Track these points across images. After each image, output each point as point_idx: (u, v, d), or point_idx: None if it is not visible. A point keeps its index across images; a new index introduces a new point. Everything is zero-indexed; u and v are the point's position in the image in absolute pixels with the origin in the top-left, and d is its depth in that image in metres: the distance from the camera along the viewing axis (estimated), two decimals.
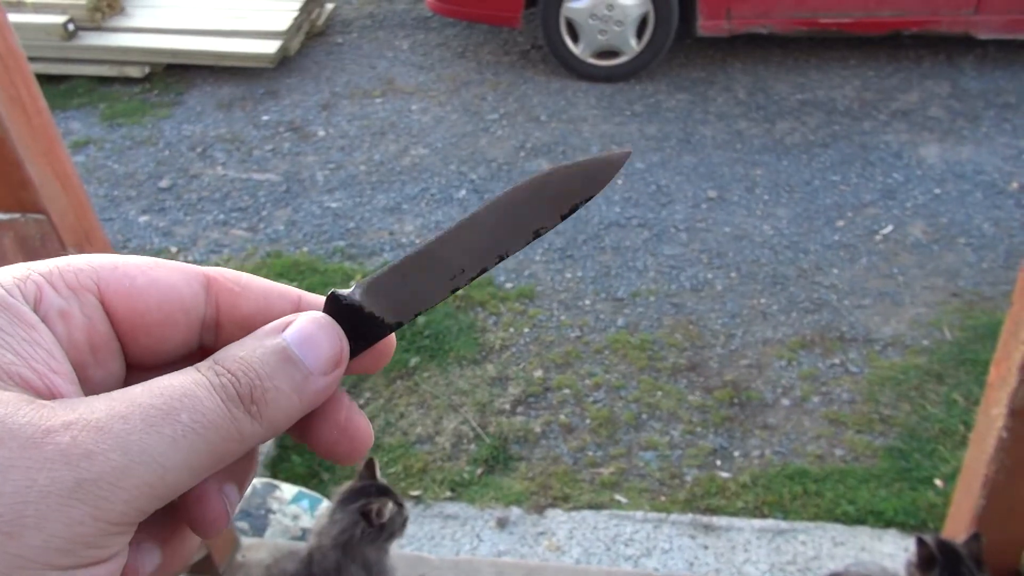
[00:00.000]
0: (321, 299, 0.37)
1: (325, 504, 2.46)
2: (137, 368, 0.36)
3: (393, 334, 0.38)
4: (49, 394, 0.31)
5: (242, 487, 0.36)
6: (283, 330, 0.34)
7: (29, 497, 0.27)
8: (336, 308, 0.36)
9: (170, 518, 0.34)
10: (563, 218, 0.38)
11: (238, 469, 0.35)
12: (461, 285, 0.38)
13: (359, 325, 0.37)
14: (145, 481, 0.29)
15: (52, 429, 0.28)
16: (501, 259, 0.38)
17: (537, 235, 0.38)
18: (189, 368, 0.33)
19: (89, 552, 0.28)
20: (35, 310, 0.32)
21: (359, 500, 1.64)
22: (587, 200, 0.38)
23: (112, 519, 0.29)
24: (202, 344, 0.37)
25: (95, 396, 0.31)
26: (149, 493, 0.29)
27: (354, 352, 0.37)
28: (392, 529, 1.67)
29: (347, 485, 1.73)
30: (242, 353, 0.33)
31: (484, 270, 0.38)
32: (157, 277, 0.35)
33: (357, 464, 1.78)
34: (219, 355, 0.33)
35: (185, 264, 0.36)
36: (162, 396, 0.30)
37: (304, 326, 0.35)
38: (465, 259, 0.38)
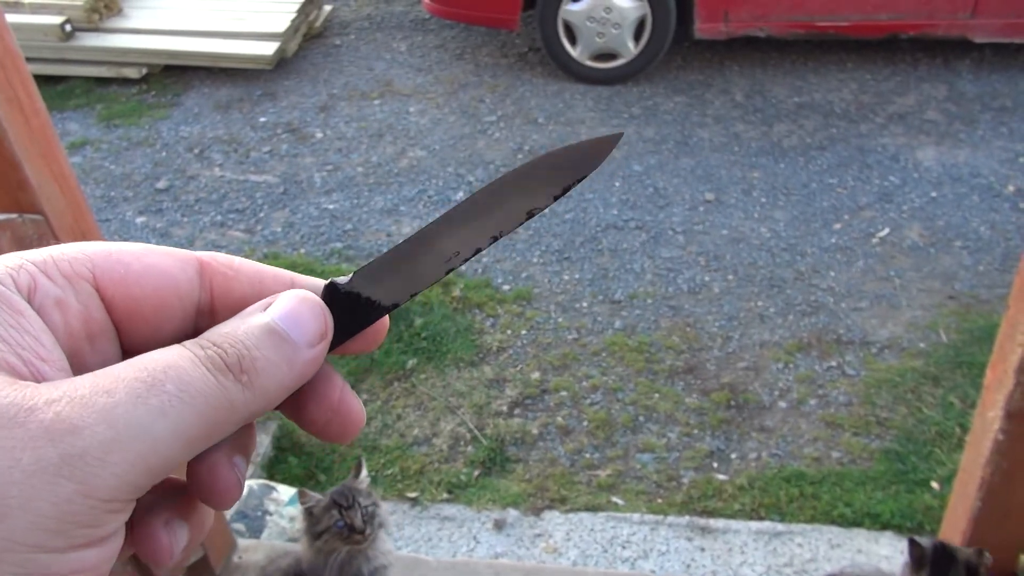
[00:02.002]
0: (315, 280, 0.38)
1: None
2: (133, 353, 0.36)
3: (387, 316, 0.39)
4: (34, 380, 0.30)
5: (247, 458, 0.36)
6: (266, 308, 0.35)
7: (13, 477, 0.27)
8: (334, 296, 0.37)
9: (189, 494, 0.35)
10: (555, 199, 0.39)
11: (240, 442, 0.36)
12: (456, 265, 0.39)
13: (357, 310, 0.38)
14: (136, 453, 0.28)
15: (35, 407, 0.28)
16: (495, 239, 0.39)
17: (530, 215, 0.39)
18: (174, 345, 0.33)
19: (81, 532, 0.28)
20: (30, 299, 0.32)
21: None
22: (579, 180, 0.39)
23: (102, 495, 0.28)
24: (197, 328, 0.37)
25: (80, 376, 0.30)
26: (142, 466, 0.29)
27: (351, 332, 0.38)
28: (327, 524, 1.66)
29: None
30: (227, 329, 0.34)
31: (479, 250, 0.39)
32: (152, 263, 0.35)
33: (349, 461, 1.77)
34: (205, 333, 0.34)
35: (178, 249, 0.37)
36: (146, 369, 0.30)
37: (286, 302, 0.35)
38: (459, 241, 0.38)
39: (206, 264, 0.37)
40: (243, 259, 0.38)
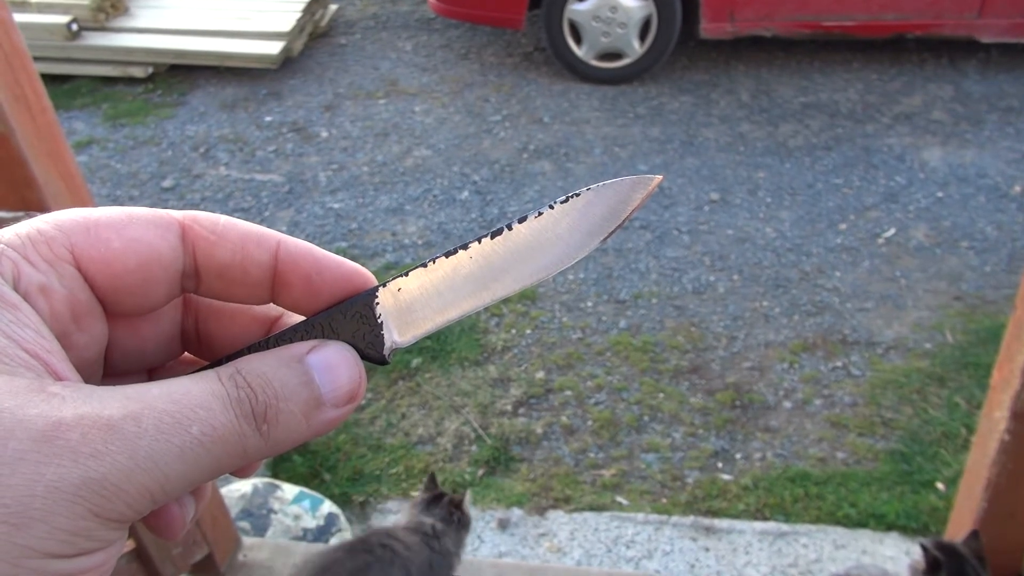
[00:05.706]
0: (301, 244, 0.37)
1: (327, 505, 2.46)
2: (121, 316, 0.36)
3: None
4: (48, 375, 0.31)
5: (200, 501, 0.37)
6: (308, 352, 0.35)
7: (36, 491, 0.28)
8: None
9: None
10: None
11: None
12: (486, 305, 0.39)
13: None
14: (146, 487, 0.30)
15: (63, 422, 0.28)
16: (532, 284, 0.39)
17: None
18: (210, 373, 0.33)
19: (88, 544, 0.29)
20: (15, 288, 0.32)
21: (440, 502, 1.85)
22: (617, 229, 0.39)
23: (111, 517, 0.29)
24: (184, 290, 0.37)
25: (109, 389, 0.31)
26: (148, 498, 0.30)
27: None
28: (467, 521, 1.88)
29: (421, 496, 1.92)
30: (265, 369, 0.34)
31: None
32: (133, 237, 0.35)
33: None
34: (243, 365, 0.34)
35: (159, 213, 0.36)
36: (177, 404, 0.31)
37: (329, 354, 0.35)
38: (499, 287, 0.39)
39: (188, 228, 0.36)
40: (228, 219, 0.37)
